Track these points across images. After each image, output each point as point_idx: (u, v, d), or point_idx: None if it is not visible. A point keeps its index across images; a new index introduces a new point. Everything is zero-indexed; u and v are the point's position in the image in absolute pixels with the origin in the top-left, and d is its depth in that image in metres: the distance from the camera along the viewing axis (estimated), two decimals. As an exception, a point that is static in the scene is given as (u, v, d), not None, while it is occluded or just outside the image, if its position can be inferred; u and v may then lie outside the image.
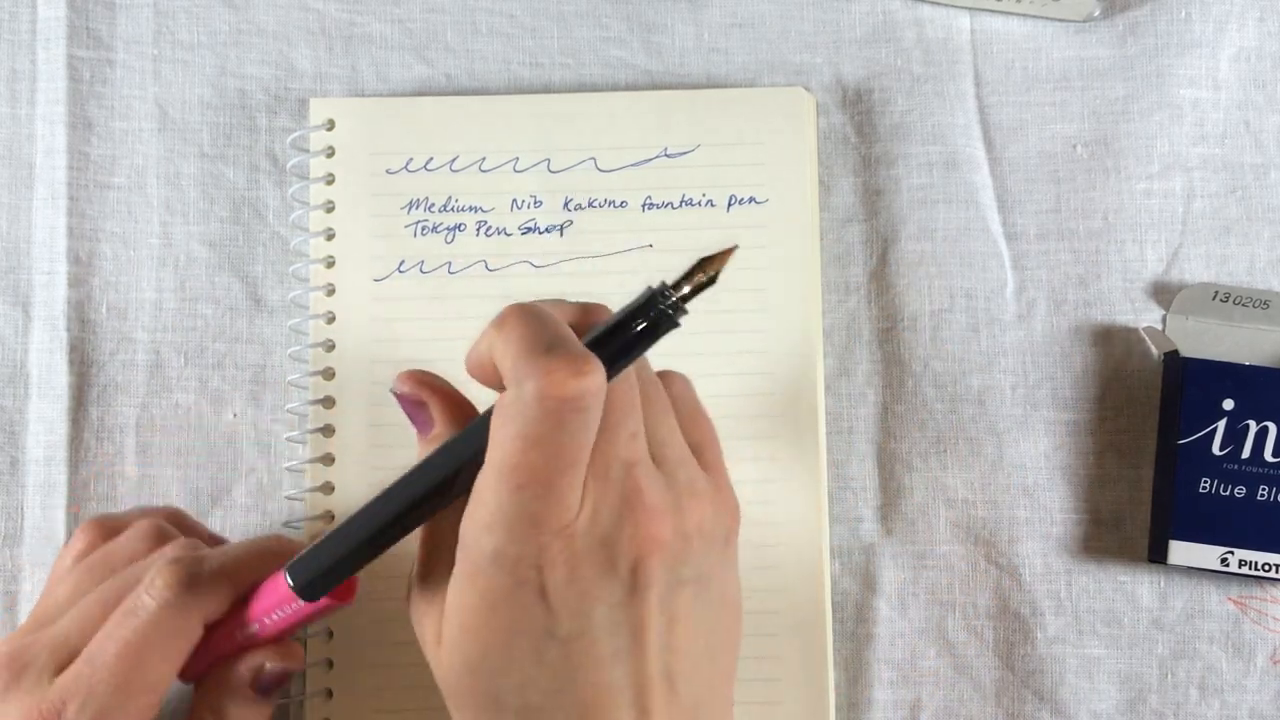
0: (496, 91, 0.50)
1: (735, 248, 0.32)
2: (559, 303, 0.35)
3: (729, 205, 0.48)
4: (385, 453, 0.47)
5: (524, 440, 0.30)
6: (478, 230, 0.48)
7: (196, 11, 0.50)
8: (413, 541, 0.35)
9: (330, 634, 0.46)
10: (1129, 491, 0.47)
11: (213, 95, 0.50)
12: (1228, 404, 0.46)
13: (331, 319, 0.48)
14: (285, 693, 0.44)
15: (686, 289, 0.32)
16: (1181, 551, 0.45)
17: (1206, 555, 0.45)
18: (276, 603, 0.36)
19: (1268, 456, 0.45)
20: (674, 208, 0.48)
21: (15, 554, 0.47)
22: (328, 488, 0.46)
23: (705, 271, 0.32)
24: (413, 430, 0.37)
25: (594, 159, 0.48)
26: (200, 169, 0.49)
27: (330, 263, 0.48)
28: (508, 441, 0.31)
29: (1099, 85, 0.50)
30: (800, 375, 0.47)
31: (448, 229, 0.48)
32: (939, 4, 0.50)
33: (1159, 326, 0.48)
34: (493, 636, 0.32)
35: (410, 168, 0.48)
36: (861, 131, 0.50)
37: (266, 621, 0.37)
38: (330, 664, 0.46)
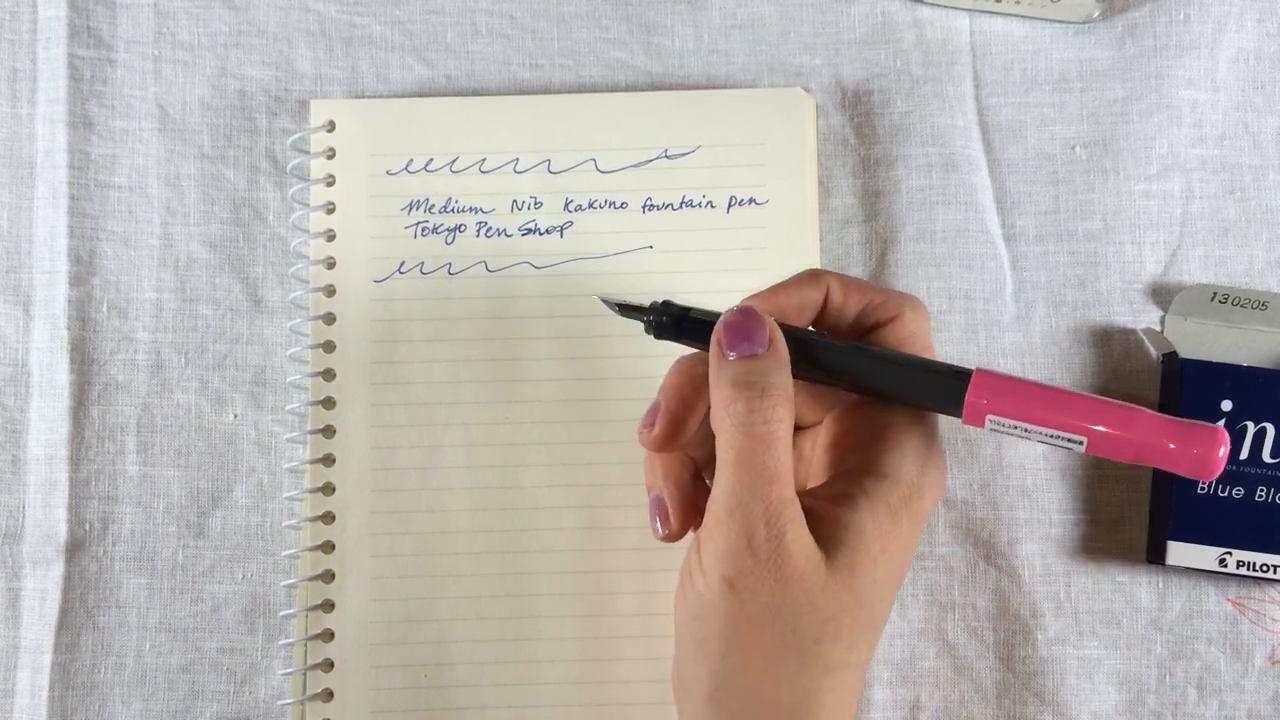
0: (497, 92, 0.50)
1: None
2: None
3: (729, 206, 0.48)
4: (386, 454, 0.47)
5: None
6: (478, 231, 0.48)
7: (197, 12, 0.50)
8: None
9: (330, 634, 0.46)
10: (1127, 492, 0.47)
11: (213, 96, 0.50)
12: (1226, 405, 0.46)
13: (332, 320, 0.48)
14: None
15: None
16: (1180, 552, 0.45)
17: (1205, 556, 0.45)
18: None
19: (1266, 457, 0.45)
20: (674, 209, 0.48)
21: (16, 551, 0.47)
22: (328, 488, 0.47)
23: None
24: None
25: (594, 160, 0.49)
26: (201, 169, 0.49)
27: (330, 264, 0.48)
28: None
29: (1098, 86, 0.50)
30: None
31: (448, 230, 0.48)
32: (938, 5, 0.50)
33: (1157, 328, 0.48)
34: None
35: (410, 169, 0.48)
36: (861, 133, 0.50)
37: None
38: (330, 664, 0.46)
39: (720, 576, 0.35)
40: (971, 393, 0.35)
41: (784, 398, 0.35)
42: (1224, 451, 0.33)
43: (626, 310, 0.39)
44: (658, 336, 0.38)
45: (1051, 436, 0.34)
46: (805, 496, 0.37)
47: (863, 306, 0.38)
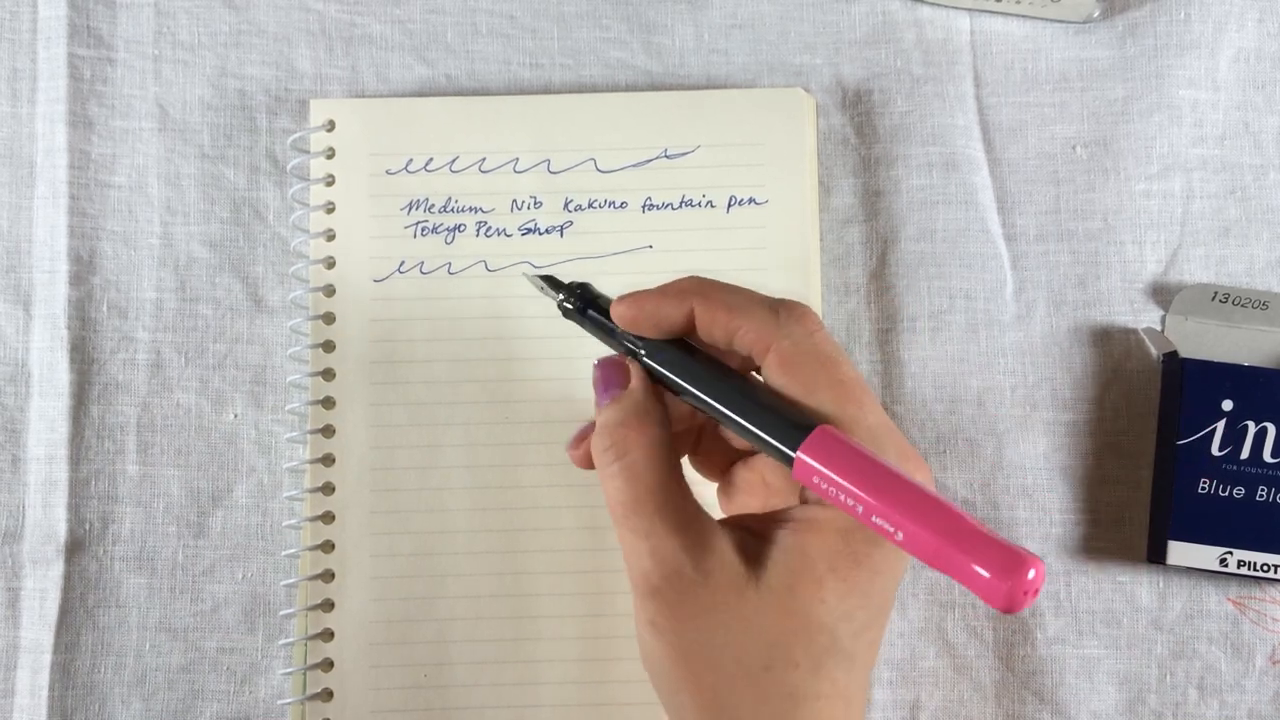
0: (497, 92, 0.50)
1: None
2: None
3: (729, 206, 0.48)
4: (385, 453, 0.47)
5: None
6: (478, 231, 0.48)
7: (197, 11, 0.50)
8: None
9: (330, 634, 0.46)
10: (1128, 492, 0.47)
11: (213, 95, 0.50)
12: (1227, 404, 0.46)
13: (331, 320, 0.48)
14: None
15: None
16: (1180, 552, 0.45)
17: (1205, 555, 0.45)
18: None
19: (1266, 457, 0.45)
20: (674, 209, 0.48)
21: (16, 551, 0.47)
22: (328, 488, 0.47)
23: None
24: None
25: (594, 160, 0.49)
26: (201, 169, 0.49)
27: (330, 263, 0.48)
28: None
29: (1098, 86, 0.50)
30: (800, 376, 0.47)
31: (448, 230, 0.48)
32: (939, 5, 0.50)
33: (1158, 327, 0.48)
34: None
35: (410, 168, 0.48)
36: (861, 132, 0.50)
37: None
38: (330, 664, 0.46)
39: (645, 621, 0.34)
40: (798, 467, 0.32)
41: (637, 427, 0.35)
42: (1034, 576, 0.29)
43: (545, 284, 0.39)
44: (565, 315, 0.38)
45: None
46: (753, 520, 0.35)
47: (730, 338, 0.35)
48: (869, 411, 0.34)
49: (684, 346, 0.36)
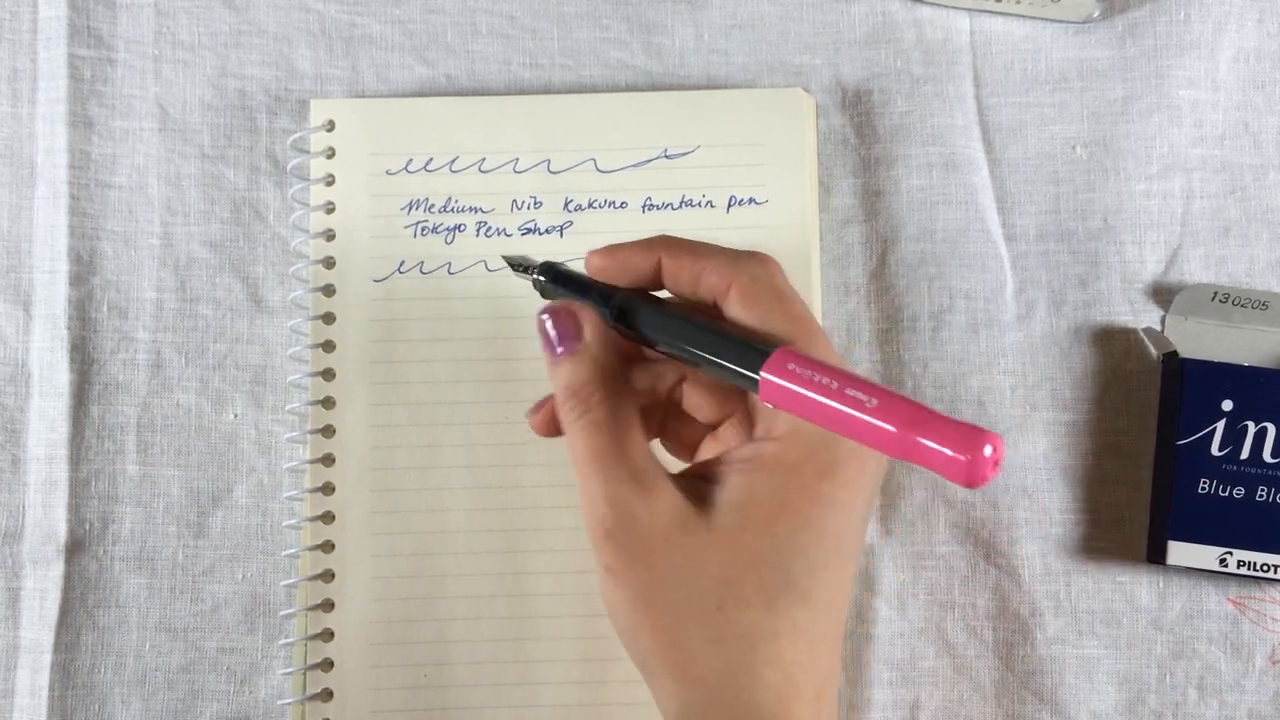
0: (497, 92, 0.50)
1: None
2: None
3: (729, 206, 0.48)
4: (385, 453, 0.47)
5: None
6: (478, 231, 0.48)
7: (197, 12, 0.50)
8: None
9: (330, 634, 0.46)
10: (1128, 492, 0.47)
11: (213, 96, 0.50)
12: (1226, 405, 0.46)
13: (331, 320, 0.48)
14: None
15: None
16: (1180, 552, 0.45)
17: (1205, 556, 0.45)
18: None
19: (1266, 457, 0.45)
20: (674, 209, 0.48)
21: (16, 551, 0.47)
22: (328, 488, 0.47)
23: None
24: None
25: (594, 160, 0.49)
26: (201, 169, 0.49)
27: (330, 263, 0.48)
28: None
29: (1098, 86, 0.50)
30: (800, 376, 0.47)
31: (447, 230, 0.48)
32: (938, 5, 0.50)
33: (1158, 327, 0.48)
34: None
35: (410, 168, 0.49)
36: (861, 133, 0.50)
37: None
38: (330, 664, 0.46)
39: (603, 567, 0.35)
40: (770, 365, 0.33)
41: (597, 385, 0.36)
42: (991, 451, 0.29)
43: (516, 266, 0.41)
44: (543, 295, 0.40)
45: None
46: (704, 466, 0.37)
47: (696, 281, 0.37)
48: (821, 345, 0.36)
49: (651, 298, 0.38)
